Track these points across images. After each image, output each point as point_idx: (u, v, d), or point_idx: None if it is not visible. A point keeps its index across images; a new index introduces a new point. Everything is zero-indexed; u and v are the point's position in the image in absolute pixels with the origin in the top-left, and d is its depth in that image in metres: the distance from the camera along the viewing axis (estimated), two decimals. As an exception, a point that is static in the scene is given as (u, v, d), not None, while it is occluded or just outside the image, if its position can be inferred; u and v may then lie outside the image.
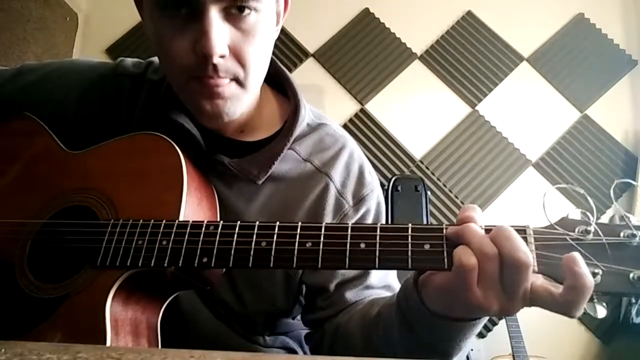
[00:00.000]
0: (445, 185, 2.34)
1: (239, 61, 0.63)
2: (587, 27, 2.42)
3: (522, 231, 0.50)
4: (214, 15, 0.59)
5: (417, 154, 2.38)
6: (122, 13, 2.47)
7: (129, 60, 0.85)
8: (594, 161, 2.30)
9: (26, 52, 2.16)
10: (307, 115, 0.79)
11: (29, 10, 2.16)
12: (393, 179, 2.21)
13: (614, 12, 2.43)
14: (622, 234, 0.48)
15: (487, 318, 0.54)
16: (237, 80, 0.64)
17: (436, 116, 2.41)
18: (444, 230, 0.51)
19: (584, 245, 0.49)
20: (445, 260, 0.50)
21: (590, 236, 0.49)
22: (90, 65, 0.86)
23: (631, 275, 0.47)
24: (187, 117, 0.74)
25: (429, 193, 2.24)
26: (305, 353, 0.88)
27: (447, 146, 2.37)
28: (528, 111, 2.38)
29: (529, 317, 1.98)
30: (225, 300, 0.74)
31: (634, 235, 0.48)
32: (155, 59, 0.84)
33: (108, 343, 0.54)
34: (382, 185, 2.31)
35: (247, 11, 0.61)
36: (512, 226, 0.50)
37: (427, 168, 2.36)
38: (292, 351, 0.85)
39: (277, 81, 0.81)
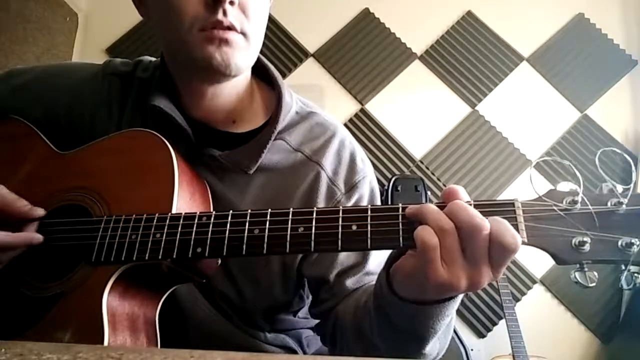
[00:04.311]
0: (445, 185, 2.33)
1: (244, 12, 0.67)
2: (587, 27, 2.42)
3: (510, 204, 0.50)
4: None
5: (417, 154, 2.37)
6: (122, 13, 2.47)
7: (118, 60, 0.86)
8: (593, 161, 2.29)
9: (26, 52, 2.16)
10: (294, 104, 0.81)
11: (29, 10, 2.16)
12: (393, 179, 2.21)
13: (614, 12, 2.43)
14: (609, 203, 0.49)
15: (458, 300, 0.55)
16: (242, 32, 0.67)
17: (436, 116, 2.40)
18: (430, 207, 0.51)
19: (572, 215, 0.49)
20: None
21: (578, 206, 0.49)
22: (80, 66, 0.87)
23: (619, 242, 0.47)
24: (177, 111, 0.74)
25: (429, 193, 2.24)
26: (304, 353, 0.88)
27: (447, 146, 2.37)
28: (528, 111, 2.37)
29: (529, 317, 1.98)
30: (226, 294, 0.75)
31: (620, 204, 0.48)
32: (144, 57, 0.86)
33: (106, 338, 0.54)
34: (382, 185, 2.31)
35: None
36: (500, 200, 0.51)
37: (427, 168, 2.35)
38: (291, 351, 0.85)
39: (262, 73, 0.82)
